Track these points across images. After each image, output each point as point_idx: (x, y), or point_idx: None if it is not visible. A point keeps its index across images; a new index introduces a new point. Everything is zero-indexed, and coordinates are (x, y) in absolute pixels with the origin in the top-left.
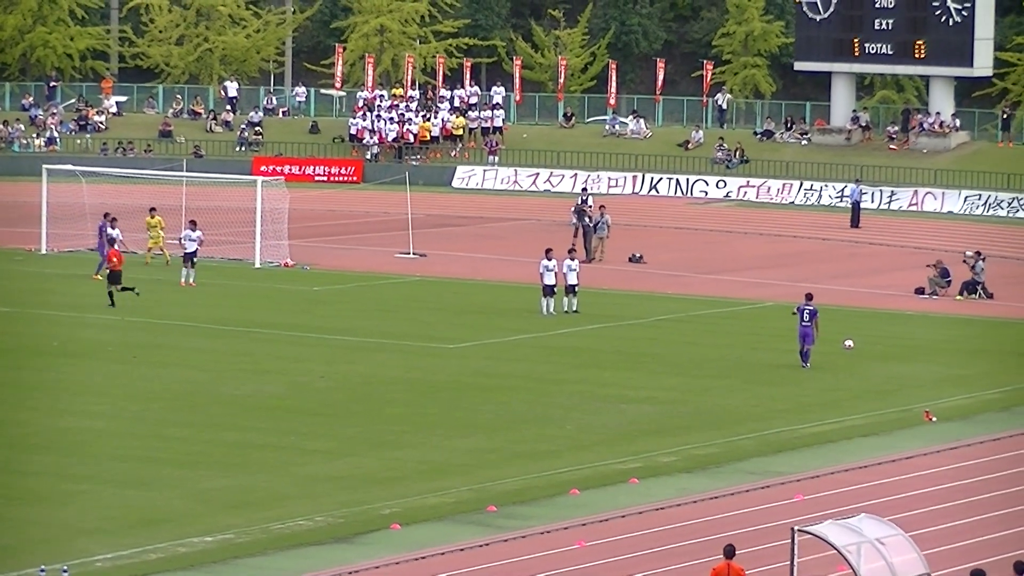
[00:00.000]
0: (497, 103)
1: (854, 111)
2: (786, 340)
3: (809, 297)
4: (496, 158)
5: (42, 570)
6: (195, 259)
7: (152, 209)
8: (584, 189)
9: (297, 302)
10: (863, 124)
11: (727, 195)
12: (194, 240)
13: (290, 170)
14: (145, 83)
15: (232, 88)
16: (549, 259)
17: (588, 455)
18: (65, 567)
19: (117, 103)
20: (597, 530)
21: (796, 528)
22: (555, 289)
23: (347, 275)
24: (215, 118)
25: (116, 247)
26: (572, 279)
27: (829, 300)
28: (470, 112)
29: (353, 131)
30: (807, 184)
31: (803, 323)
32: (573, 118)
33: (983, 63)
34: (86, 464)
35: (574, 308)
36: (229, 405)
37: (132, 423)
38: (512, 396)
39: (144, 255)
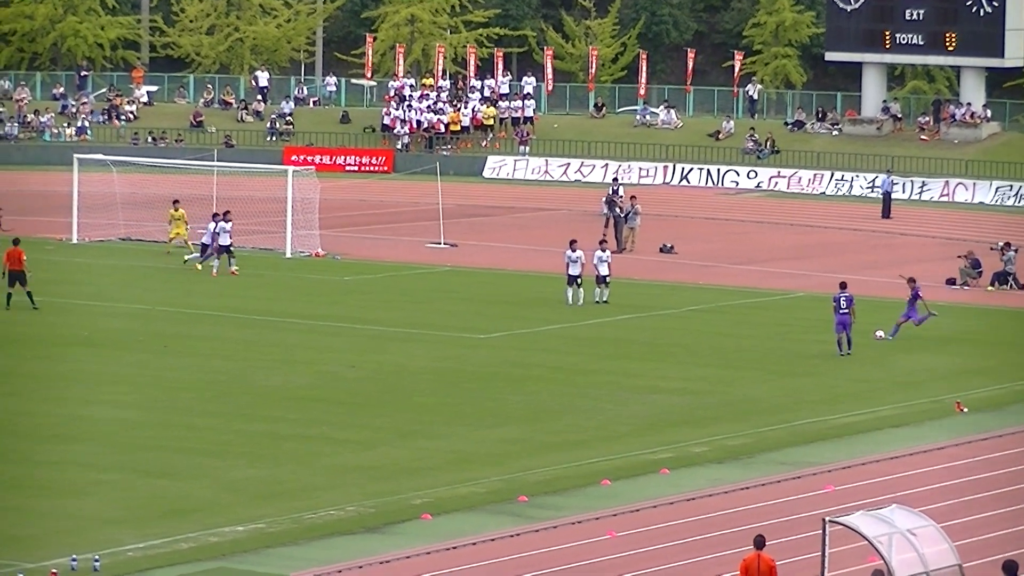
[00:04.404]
0: (528, 93)
1: (885, 102)
2: (816, 331)
3: (843, 286)
4: (527, 148)
5: (73, 559)
6: (232, 249)
7: (175, 201)
8: (615, 179)
9: (328, 292)
10: (894, 115)
11: (758, 185)
12: (228, 231)
13: (321, 160)
14: (176, 73)
15: (263, 78)
16: (574, 250)
17: (619, 445)
18: (96, 557)
19: (148, 93)
20: (628, 520)
21: (827, 519)
22: (580, 279)
23: (378, 265)
24: (246, 108)
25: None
26: (603, 270)
27: (860, 291)
28: (501, 102)
29: (386, 121)
30: (838, 175)
31: (841, 311)
32: (604, 108)
33: (1014, 54)
34: (116, 454)
35: (604, 299)
36: (259, 395)
37: (162, 413)
38: (542, 386)
39: (166, 245)
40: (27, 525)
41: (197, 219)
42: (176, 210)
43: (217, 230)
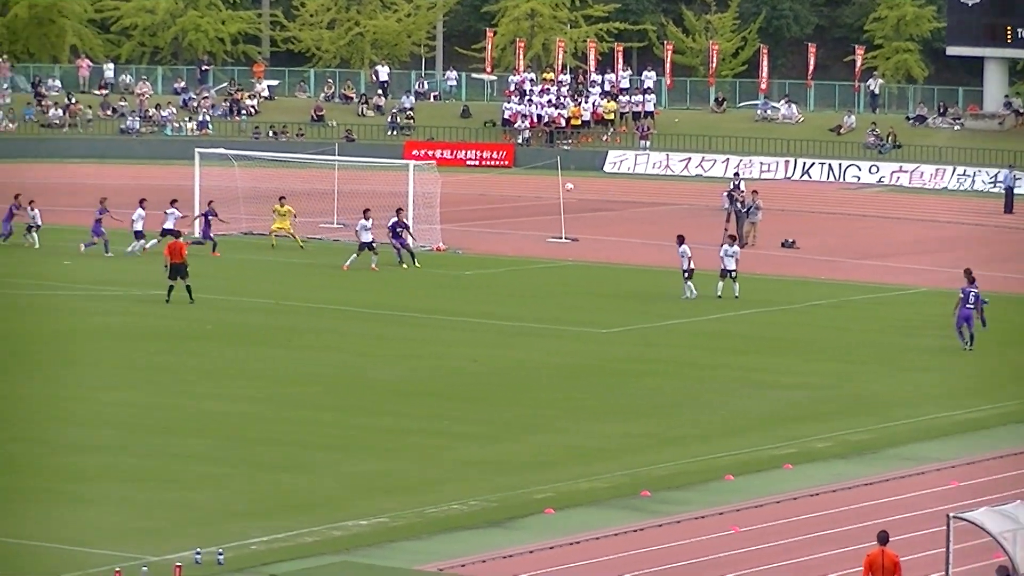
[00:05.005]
0: (648, 87)
1: (1007, 96)
2: (939, 326)
3: (972, 281)
4: (648, 143)
5: (197, 553)
6: (373, 245)
7: (282, 198)
8: (736, 174)
9: (449, 286)
10: (1016, 109)
11: (879, 180)
12: (369, 229)
13: (442, 154)
14: (296, 67)
15: (383, 72)
16: (680, 244)
17: (742, 440)
18: (220, 550)
19: (269, 87)
20: (751, 515)
21: (952, 515)
22: (688, 273)
23: (499, 259)
24: (366, 102)
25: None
26: (730, 264)
27: (982, 286)
28: (621, 96)
29: (506, 115)
30: (960, 169)
31: (967, 305)
32: (724, 103)
33: None
34: (239, 448)
35: (735, 294)
36: (382, 390)
37: (285, 407)
38: (665, 381)
39: (269, 237)
40: (152, 518)
41: (319, 214)
42: (282, 206)
43: (359, 227)
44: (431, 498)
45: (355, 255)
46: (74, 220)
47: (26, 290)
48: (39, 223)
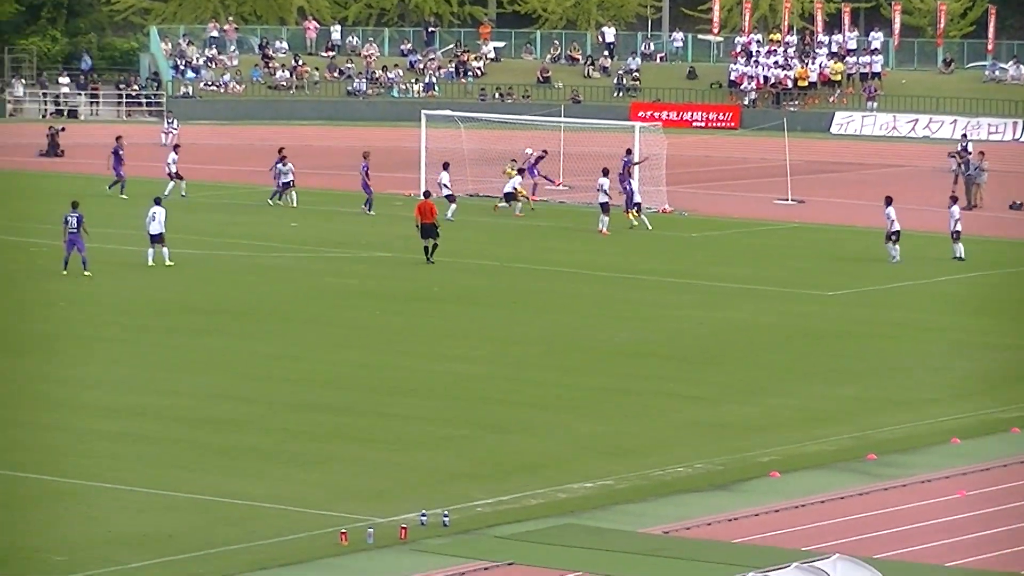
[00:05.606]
0: (875, 48)
1: None
2: None
3: None
4: (875, 104)
5: (423, 515)
6: (608, 206)
7: (513, 160)
8: (964, 135)
9: (675, 248)
10: None
11: None
12: (605, 189)
13: (667, 116)
14: (523, 29)
15: (609, 34)
16: (887, 207)
17: (969, 403)
18: (446, 512)
19: (495, 49)
20: (979, 479)
21: None
22: (891, 236)
23: (725, 221)
24: (592, 64)
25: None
26: (956, 225)
27: None
28: (848, 58)
29: (733, 77)
30: None
31: None
32: (952, 64)
33: None
34: (465, 409)
35: (961, 255)
36: (606, 351)
37: (510, 368)
38: (891, 344)
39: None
40: (379, 479)
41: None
42: (512, 169)
43: (599, 187)
44: (656, 460)
45: (605, 216)
46: (302, 182)
47: (257, 252)
48: (290, 179)
